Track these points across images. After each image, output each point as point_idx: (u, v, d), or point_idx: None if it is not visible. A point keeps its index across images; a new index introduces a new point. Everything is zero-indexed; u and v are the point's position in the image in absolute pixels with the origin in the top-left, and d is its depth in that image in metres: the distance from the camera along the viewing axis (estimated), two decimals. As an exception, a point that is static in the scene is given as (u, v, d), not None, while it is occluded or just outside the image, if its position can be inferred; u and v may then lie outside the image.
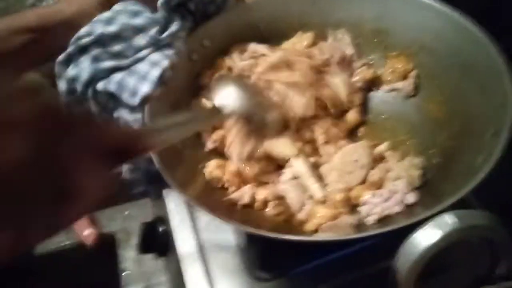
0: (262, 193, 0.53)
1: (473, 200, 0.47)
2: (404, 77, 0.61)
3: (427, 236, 0.35)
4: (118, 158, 0.29)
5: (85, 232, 0.86)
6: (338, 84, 0.59)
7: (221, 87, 0.53)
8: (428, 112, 0.57)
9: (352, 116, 0.60)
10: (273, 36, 0.66)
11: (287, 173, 0.54)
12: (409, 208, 0.48)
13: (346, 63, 0.62)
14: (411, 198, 0.49)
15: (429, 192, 0.48)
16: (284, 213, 0.52)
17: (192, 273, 0.53)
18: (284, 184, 0.53)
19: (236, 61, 0.63)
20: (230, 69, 0.63)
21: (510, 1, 0.59)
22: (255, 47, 0.63)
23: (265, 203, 0.53)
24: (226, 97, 0.50)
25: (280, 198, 0.53)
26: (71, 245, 0.87)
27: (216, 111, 0.48)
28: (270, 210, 0.52)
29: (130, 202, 0.91)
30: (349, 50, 0.63)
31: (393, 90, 0.62)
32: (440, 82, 0.58)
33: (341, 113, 0.60)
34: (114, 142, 0.28)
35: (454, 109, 0.54)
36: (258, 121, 0.53)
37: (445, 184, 0.46)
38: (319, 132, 0.57)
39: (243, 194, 0.53)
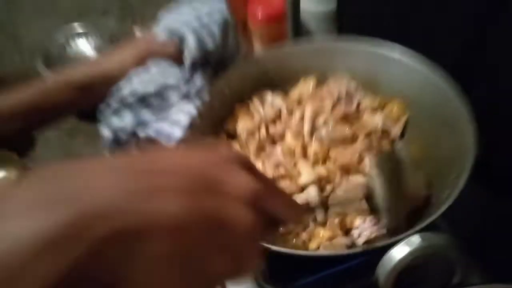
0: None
1: (443, 224, 0.57)
2: (397, 120, 0.68)
3: (399, 252, 0.46)
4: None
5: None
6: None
7: None
8: (409, 154, 0.65)
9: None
10: (281, 81, 0.76)
11: (301, 197, 0.60)
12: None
13: (350, 97, 0.70)
14: (394, 223, 0.58)
15: (407, 218, 0.56)
16: (291, 232, 0.60)
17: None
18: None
19: (259, 109, 0.72)
20: (251, 115, 0.72)
21: (479, 58, 0.67)
22: (272, 100, 0.73)
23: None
24: None
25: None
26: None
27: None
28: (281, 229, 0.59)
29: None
30: (351, 85, 0.70)
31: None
32: (422, 129, 0.66)
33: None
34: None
35: (430, 154, 0.63)
36: None
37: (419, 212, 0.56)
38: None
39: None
